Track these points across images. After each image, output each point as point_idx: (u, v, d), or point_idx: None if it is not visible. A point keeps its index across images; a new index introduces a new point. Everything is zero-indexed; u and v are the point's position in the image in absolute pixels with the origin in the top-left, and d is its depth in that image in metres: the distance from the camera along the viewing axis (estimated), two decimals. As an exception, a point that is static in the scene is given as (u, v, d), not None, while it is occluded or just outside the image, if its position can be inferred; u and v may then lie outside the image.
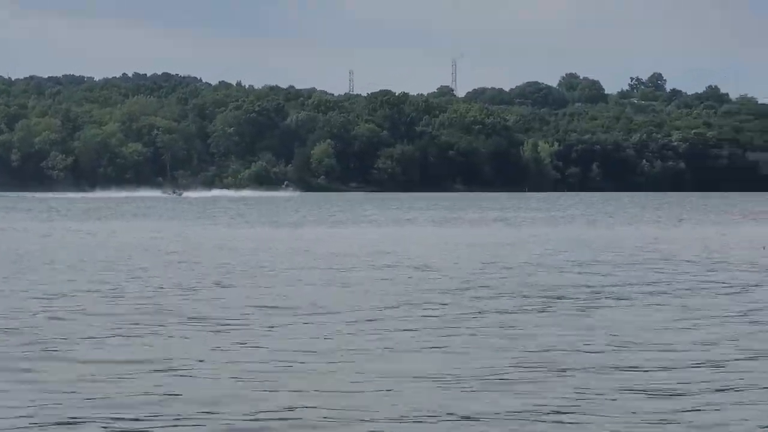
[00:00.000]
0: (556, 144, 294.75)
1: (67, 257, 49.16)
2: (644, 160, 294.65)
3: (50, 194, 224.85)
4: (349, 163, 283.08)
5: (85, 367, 19.86)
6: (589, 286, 35.44)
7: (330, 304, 29.98)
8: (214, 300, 31.40)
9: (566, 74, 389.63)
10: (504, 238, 68.25)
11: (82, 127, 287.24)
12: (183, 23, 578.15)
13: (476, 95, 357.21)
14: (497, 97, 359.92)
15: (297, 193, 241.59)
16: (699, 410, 16.52)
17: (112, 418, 15.89)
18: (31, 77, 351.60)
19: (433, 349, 22.35)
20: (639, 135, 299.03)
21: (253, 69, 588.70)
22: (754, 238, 67.94)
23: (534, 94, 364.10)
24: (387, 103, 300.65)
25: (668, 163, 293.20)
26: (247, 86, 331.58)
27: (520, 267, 43.62)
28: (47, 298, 31.67)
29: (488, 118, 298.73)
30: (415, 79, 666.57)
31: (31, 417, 16.03)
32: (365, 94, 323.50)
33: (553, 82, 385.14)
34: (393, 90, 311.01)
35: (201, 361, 20.66)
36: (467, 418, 16.04)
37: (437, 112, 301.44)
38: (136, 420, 15.82)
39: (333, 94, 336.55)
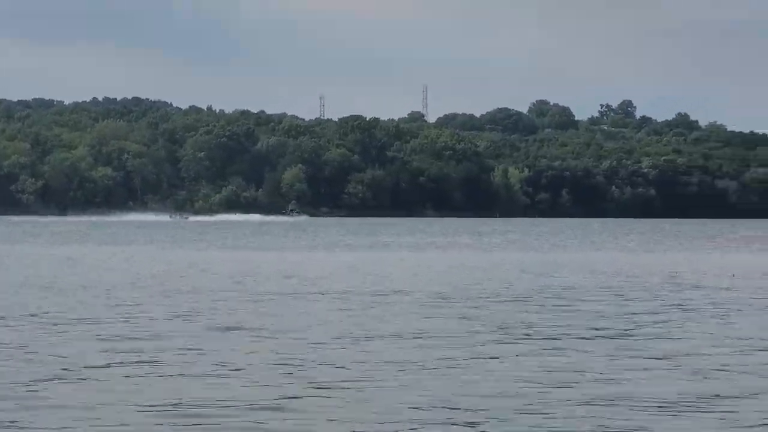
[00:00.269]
0: (526, 170, 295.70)
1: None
2: (614, 187, 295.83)
3: (25, 218, 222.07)
4: (320, 188, 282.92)
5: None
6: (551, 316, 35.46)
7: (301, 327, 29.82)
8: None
9: (536, 101, 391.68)
10: (476, 262, 68.28)
11: (51, 150, 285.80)
12: (154, 48, 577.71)
13: (447, 121, 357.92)
14: (468, 122, 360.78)
15: (303, 217, 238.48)
16: None
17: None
18: (1, 101, 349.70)
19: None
20: (609, 161, 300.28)
21: (224, 94, 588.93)
22: (723, 265, 68.27)
23: (504, 120, 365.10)
24: (358, 127, 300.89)
25: (638, 190, 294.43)
26: (217, 111, 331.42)
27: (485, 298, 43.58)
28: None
29: (459, 144, 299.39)
30: (386, 104, 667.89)
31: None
32: (336, 119, 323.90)
33: (524, 108, 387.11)
34: (364, 115, 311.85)
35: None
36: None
37: (408, 138, 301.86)
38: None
39: (304, 119, 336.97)
